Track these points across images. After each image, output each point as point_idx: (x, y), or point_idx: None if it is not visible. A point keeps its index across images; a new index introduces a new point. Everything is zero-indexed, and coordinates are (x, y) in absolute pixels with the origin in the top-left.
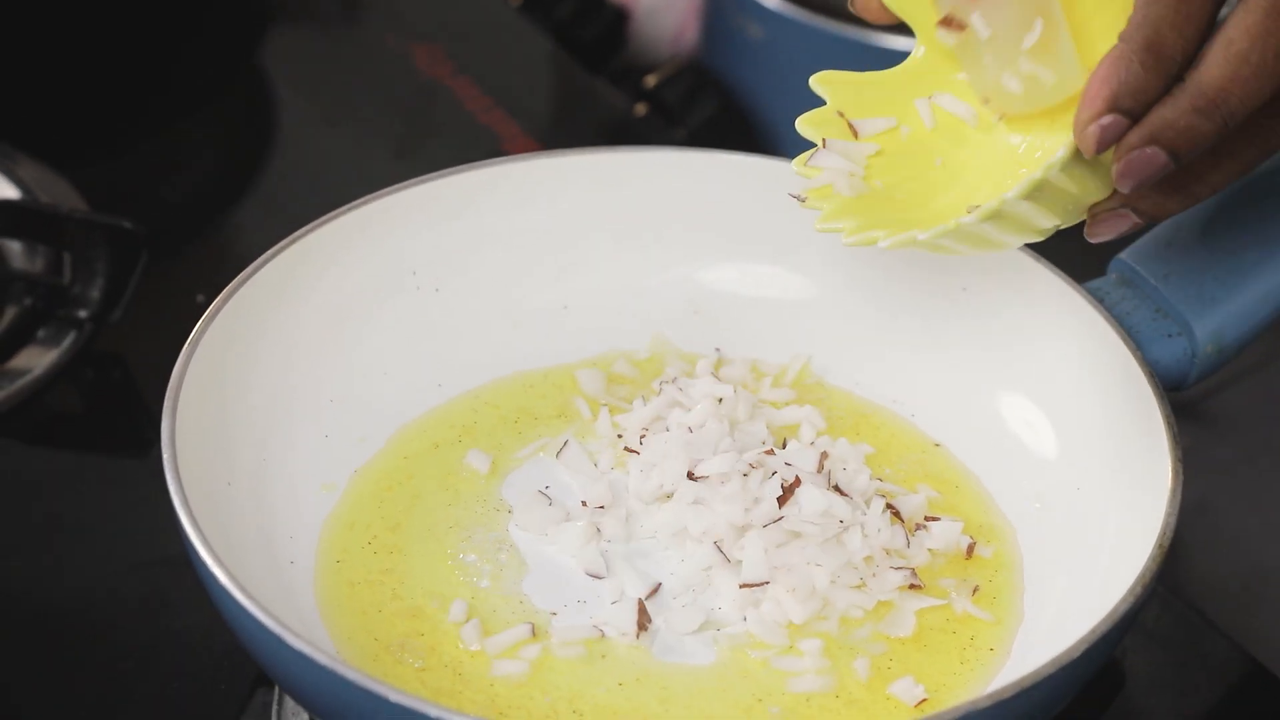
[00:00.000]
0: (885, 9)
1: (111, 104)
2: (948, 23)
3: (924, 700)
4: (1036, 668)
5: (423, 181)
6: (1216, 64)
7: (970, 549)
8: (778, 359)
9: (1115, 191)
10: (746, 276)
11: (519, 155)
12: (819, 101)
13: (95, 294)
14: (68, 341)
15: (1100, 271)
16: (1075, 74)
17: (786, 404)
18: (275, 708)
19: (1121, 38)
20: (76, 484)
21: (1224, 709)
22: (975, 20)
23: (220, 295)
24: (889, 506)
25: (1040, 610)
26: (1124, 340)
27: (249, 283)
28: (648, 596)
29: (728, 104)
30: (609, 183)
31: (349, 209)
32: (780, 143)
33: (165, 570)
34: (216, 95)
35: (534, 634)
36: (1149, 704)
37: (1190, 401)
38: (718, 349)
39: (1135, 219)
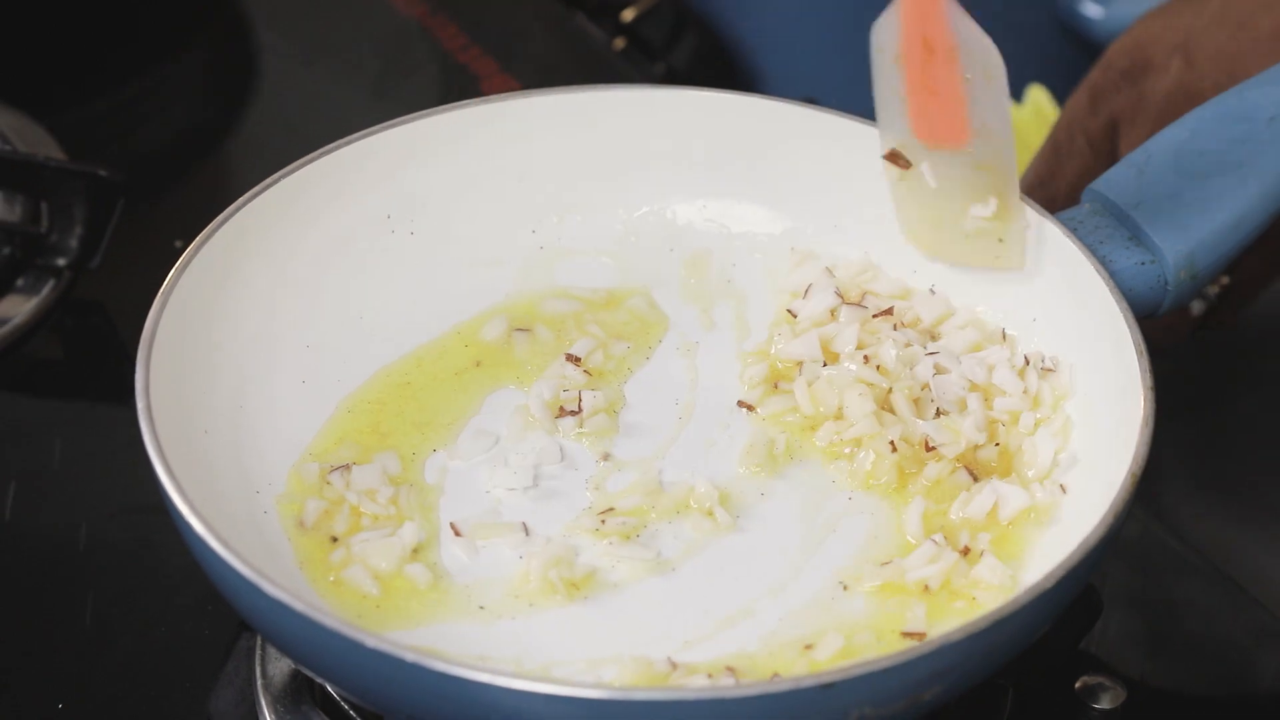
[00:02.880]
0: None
1: (87, 48)
2: (893, 158)
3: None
4: (1012, 597)
5: (400, 123)
6: None
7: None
8: (760, 297)
9: None
10: (723, 212)
11: (496, 96)
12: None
13: (73, 242)
14: (46, 290)
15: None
16: (1017, 259)
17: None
18: (259, 653)
19: None
20: (57, 431)
21: (1203, 631)
22: (924, 169)
23: (193, 242)
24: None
25: None
26: (1097, 269)
27: (222, 229)
28: None
29: (707, 39)
30: (587, 122)
31: (323, 153)
32: (760, 78)
33: (148, 516)
34: (193, 38)
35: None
36: (1128, 628)
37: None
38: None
39: None
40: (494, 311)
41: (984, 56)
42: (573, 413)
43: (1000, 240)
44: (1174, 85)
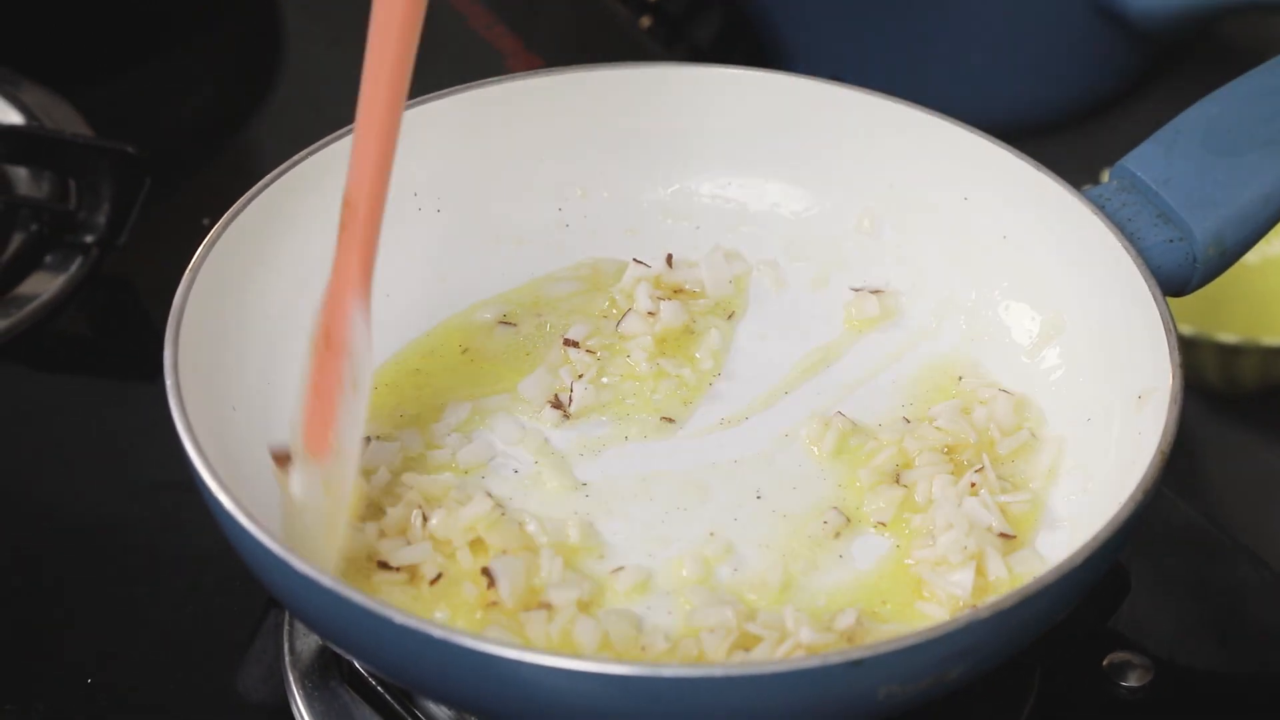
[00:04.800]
0: None
1: (115, 27)
2: (277, 459)
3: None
4: (1041, 574)
5: (424, 101)
6: None
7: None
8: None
9: None
10: (748, 190)
11: (520, 74)
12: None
13: (101, 219)
14: (74, 267)
15: (1100, 179)
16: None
17: None
18: (287, 629)
19: None
20: (85, 408)
21: (1232, 611)
22: (292, 478)
23: (221, 220)
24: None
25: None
26: (1125, 246)
27: (250, 207)
28: None
29: (733, 16)
30: (612, 100)
31: (350, 131)
32: (787, 57)
33: (176, 493)
34: (220, 16)
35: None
36: (1156, 608)
37: None
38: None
39: None
40: (517, 292)
41: (362, 368)
42: (561, 405)
43: None
44: None
